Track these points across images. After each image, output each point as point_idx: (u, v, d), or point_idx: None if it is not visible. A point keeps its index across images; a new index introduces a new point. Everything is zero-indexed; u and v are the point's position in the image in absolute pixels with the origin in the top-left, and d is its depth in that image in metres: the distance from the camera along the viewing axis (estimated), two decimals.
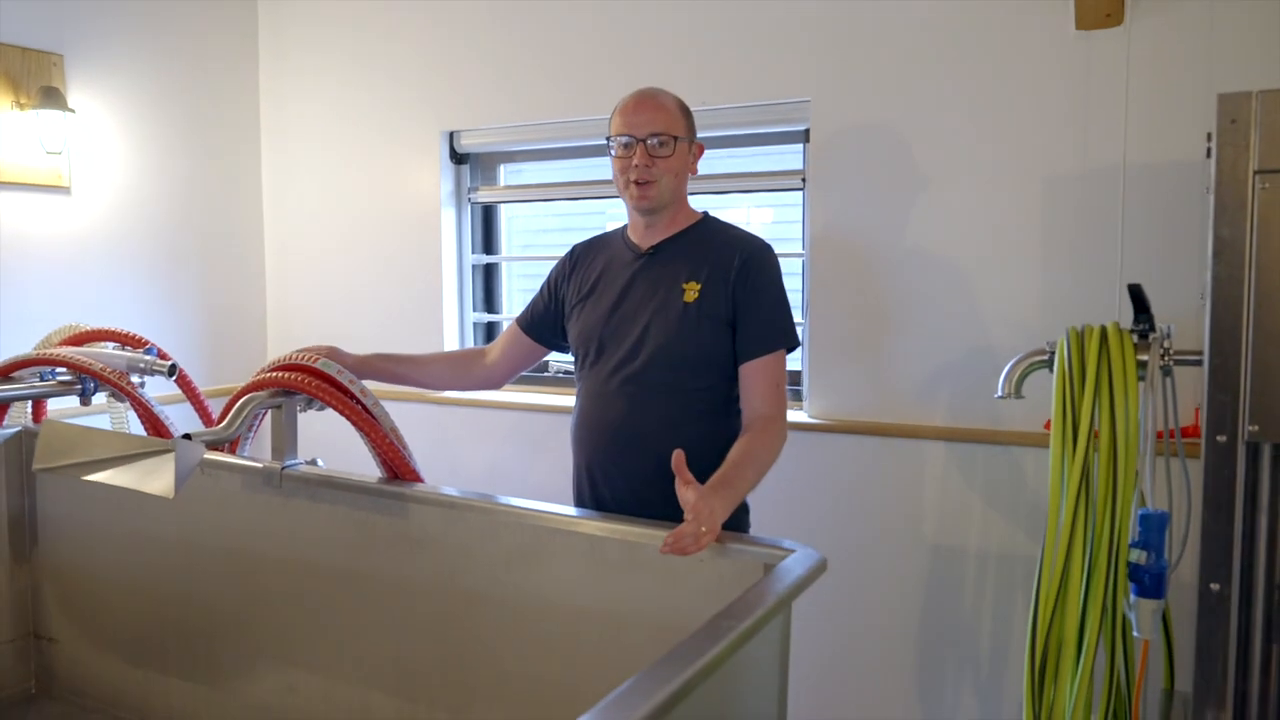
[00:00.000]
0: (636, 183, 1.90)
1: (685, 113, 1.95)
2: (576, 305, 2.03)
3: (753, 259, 1.89)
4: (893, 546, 2.48)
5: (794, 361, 2.72)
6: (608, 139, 1.95)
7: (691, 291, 1.87)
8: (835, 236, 2.53)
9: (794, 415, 2.62)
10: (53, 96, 2.69)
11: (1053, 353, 1.75)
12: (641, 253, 1.97)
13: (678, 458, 1.58)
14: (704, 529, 1.51)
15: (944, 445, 2.41)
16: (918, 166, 2.41)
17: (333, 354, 2.05)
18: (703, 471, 1.69)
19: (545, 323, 2.12)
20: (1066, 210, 2.26)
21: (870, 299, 2.49)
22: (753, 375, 1.86)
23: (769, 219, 2.96)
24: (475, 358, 2.24)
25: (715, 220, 2.02)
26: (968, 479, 2.39)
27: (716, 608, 1.32)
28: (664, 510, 1.70)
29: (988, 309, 2.35)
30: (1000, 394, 1.82)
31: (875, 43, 2.44)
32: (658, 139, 1.88)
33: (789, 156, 2.71)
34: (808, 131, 2.58)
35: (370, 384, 2.06)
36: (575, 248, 2.14)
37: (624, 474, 1.89)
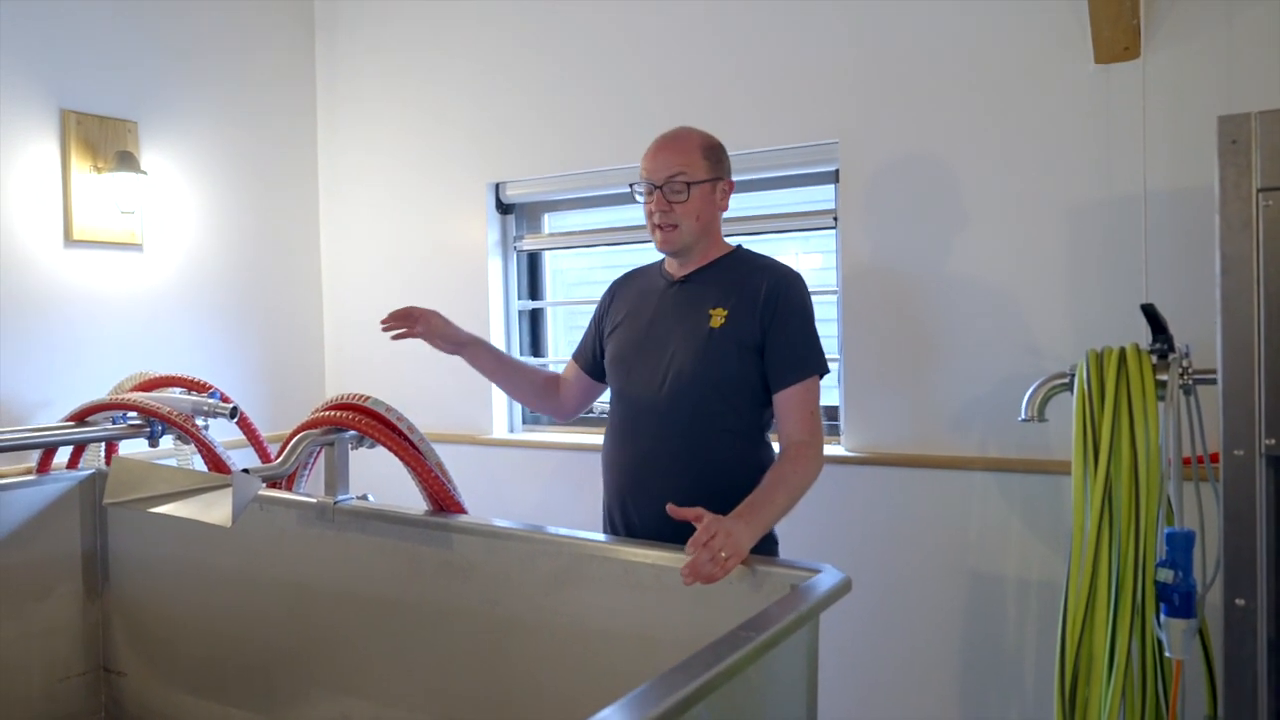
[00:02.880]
0: (660, 226, 1.95)
1: (710, 152, 1.96)
2: (612, 333, 2.09)
3: (780, 285, 1.91)
4: (933, 577, 2.49)
5: (830, 396, 2.77)
6: (633, 184, 2.02)
7: (718, 317, 1.91)
8: (867, 272, 2.59)
9: (831, 449, 2.66)
10: (127, 160, 2.88)
11: (1073, 375, 1.78)
12: (674, 281, 2.02)
13: (672, 511, 1.61)
14: (724, 554, 1.55)
15: (980, 475, 2.43)
16: (945, 201, 2.47)
17: (441, 322, 2.14)
18: (730, 500, 1.73)
19: (593, 356, 2.18)
20: (1091, 238, 2.29)
21: (903, 333, 2.53)
22: (787, 403, 1.88)
23: (818, 263, 3.04)
24: (553, 386, 2.26)
25: (747, 251, 2.05)
26: (1006, 508, 2.40)
27: None
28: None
29: (1018, 338, 2.38)
30: (1024, 417, 1.85)
31: (900, 84, 2.52)
32: (672, 185, 1.92)
33: (821, 196, 2.78)
34: (837, 172, 2.65)
35: (419, 423, 2.15)
36: (615, 281, 2.21)
37: (654, 498, 1.90)
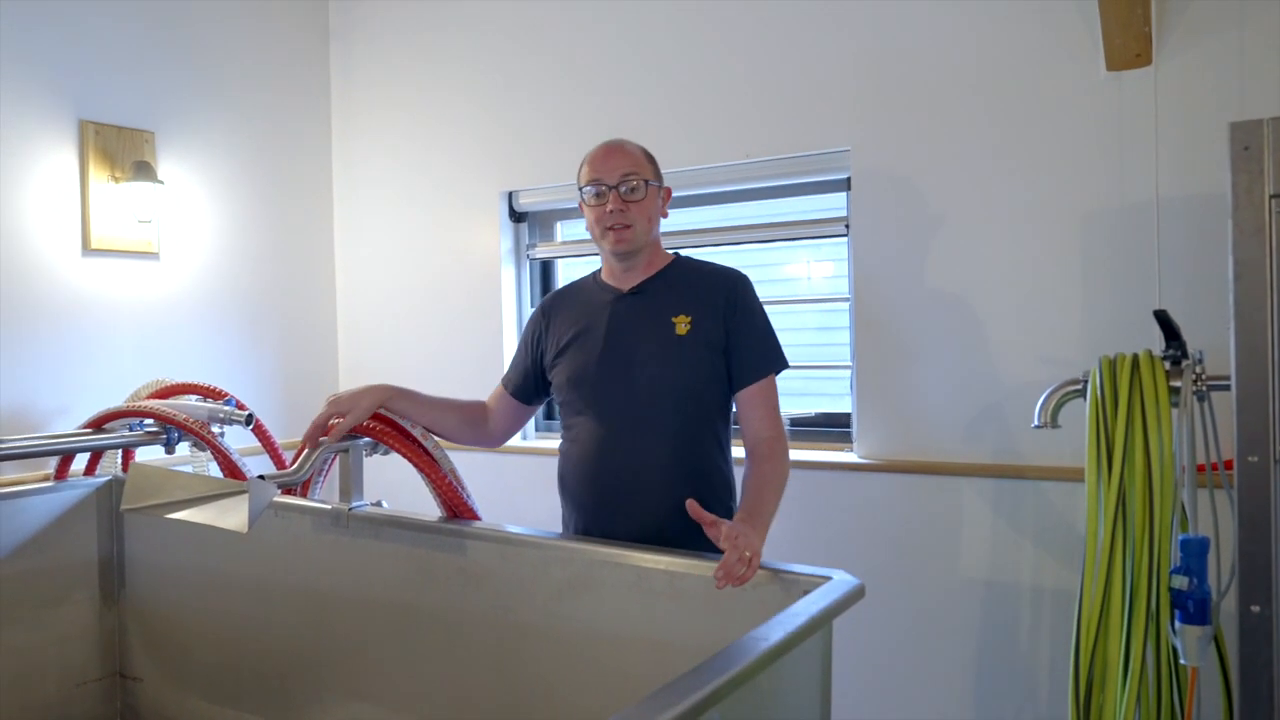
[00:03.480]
0: (612, 228, 1.96)
1: (651, 159, 2.03)
2: (558, 356, 2.06)
3: (738, 288, 1.98)
4: (946, 584, 2.48)
5: (842, 403, 2.77)
6: (580, 189, 2.02)
7: (683, 324, 1.94)
8: (879, 280, 2.59)
9: (843, 456, 2.66)
10: (144, 170, 2.91)
11: (1086, 381, 1.78)
12: (623, 293, 2.02)
13: (693, 506, 1.61)
14: (748, 554, 1.57)
15: (993, 481, 2.42)
16: (957, 209, 2.47)
17: (350, 406, 2.03)
18: (713, 503, 1.79)
19: (528, 382, 2.15)
20: (1104, 246, 2.29)
21: (915, 340, 2.54)
22: (751, 400, 1.93)
23: (829, 271, 3.04)
24: (482, 416, 2.20)
25: (689, 259, 2.09)
26: (1019, 514, 2.39)
27: None
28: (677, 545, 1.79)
29: (1031, 345, 2.38)
30: (1037, 424, 1.85)
31: (911, 91, 2.53)
32: (628, 184, 1.95)
33: (832, 204, 2.79)
34: (849, 179, 2.66)
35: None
36: (544, 301, 2.18)
37: (643, 511, 1.91)
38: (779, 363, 1.97)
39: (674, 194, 2.92)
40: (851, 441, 2.71)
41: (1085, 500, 1.79)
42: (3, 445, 2.41)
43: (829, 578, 1.59)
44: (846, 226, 2.70)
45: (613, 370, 1.97)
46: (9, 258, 2.68)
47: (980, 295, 2.45)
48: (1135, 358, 1.72)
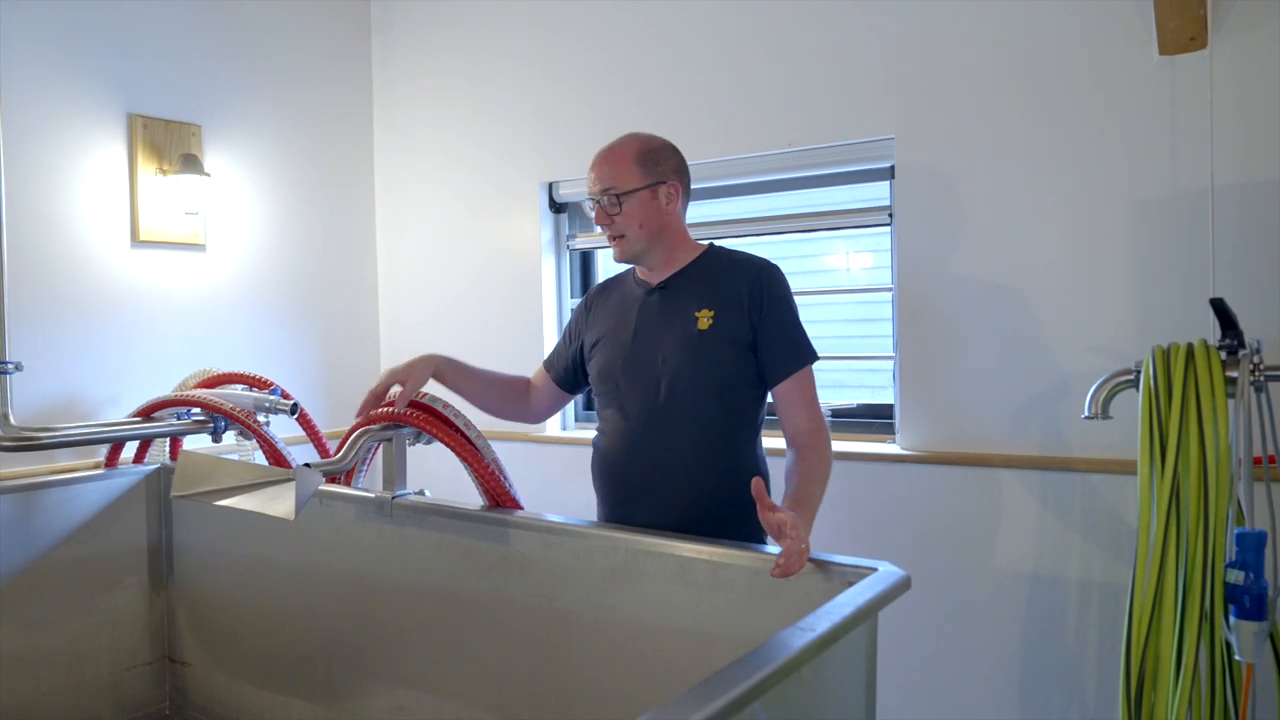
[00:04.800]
0: (609, 239, 1.97)
1: (645, 158, 1.94)
2: (595, 345, 2.07)
3: (762, 279, 1.92)
4: (992, 578, 2.45)
5: (885, 395, 2.75)
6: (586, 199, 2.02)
7: (705, 319, 1.91)
8: (923, 269, 2.56)
9: (886, 448, 2.64)
10: (191, 163, 2.95)
11: (1138, 372, 1.75)
12: (651, 288, 2.01)
13: (757, 485, 1.56)
14: (803, 546, 1.56)
15: (1039, 474, 2.39)
16: (1005, 197, 2.44)
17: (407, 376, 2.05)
18: (738, 500, 1.76)
19: (566, 367, 2.17)
20: (1156, 234, 2.25)
21: (960, 330, 2.50)
22: (787, 395, 1.89)
23: (869, 262, 3.01)
24: (525, 392, 2.24)
25: (720, 249, 2.04)
26: (1066, 508, 2.36)
27: None
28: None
29: (1080, 336, 2.34)
30: (1087, 414, 1.82)
31: (957, 77, 2.49)
32: (607, 197, 1.92)
33: (876, 193, 2.76)
34: (893, 168, 2.63)
35: (475, 420, 2.17)
36: (590, 291, 2.20)
37: (655, 507, 1.91)
38: (809, 355, 1.93)
39: (714, 184, 2.94)
40: (894, 433, 2.68)
41: (1135, 493, 1.77)
42: (55, 433, 2.46)
43: (874, 569, 1.58)
44: (890, 215, 2.66)
45: (638, 365, 1.97)
46: (61, 250, 2.73)
47: (1027, 285, 2.41)
48: (1190, 347, 1.68)
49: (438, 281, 3.55)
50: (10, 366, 2.52)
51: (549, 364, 2.22)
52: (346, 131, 3.63)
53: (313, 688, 2.31)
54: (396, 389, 2.06)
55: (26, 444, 2.41)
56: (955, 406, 2.52)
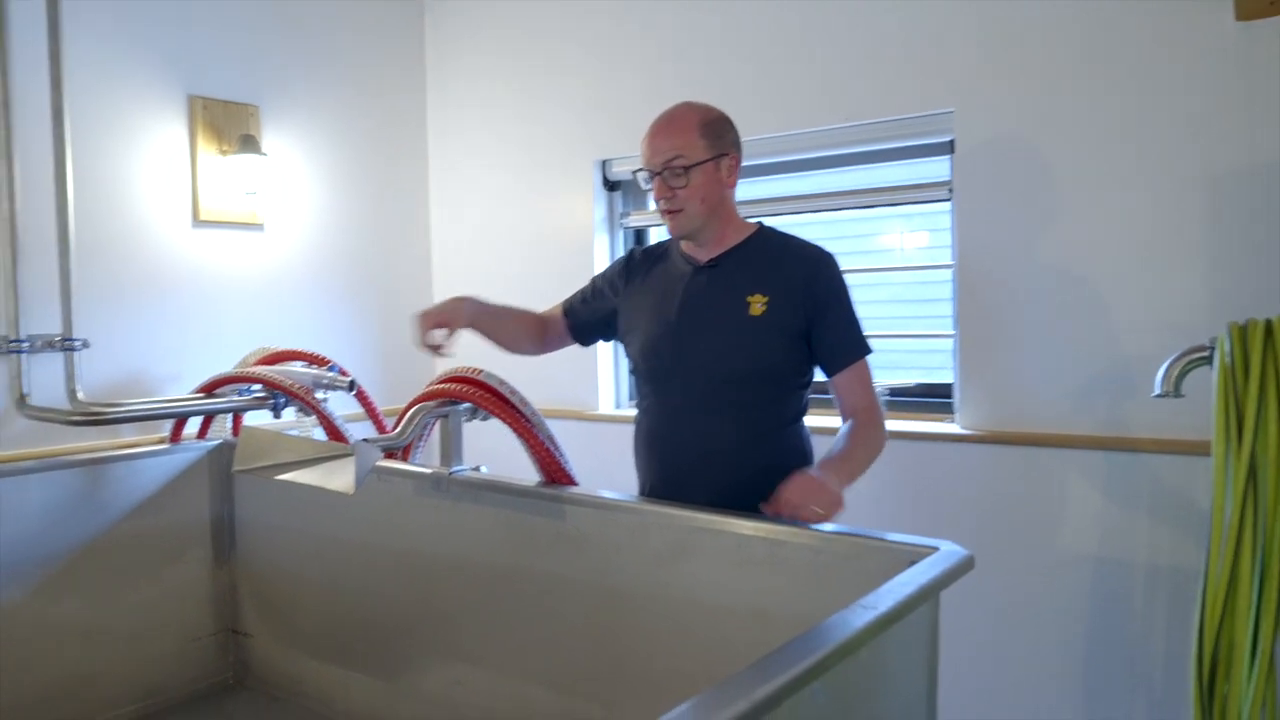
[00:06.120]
0: (665, 212, 1.91)
1: (708, 128, 1.88)
2: (635, 319, 2.04)
3: (819, 270, 1.89)
4: (1055, 561, 2.41)
5: (944, 374, 2.70)
6: (636, 171, 1.98)
7: (758, 304, 1.87)
8: (984, 245, 2.51)
9: (944, 428, 2.60)
10: (249, 143, 2.98)
11: (1213, 349, 1.69)
12: (700, 266, 1.96)
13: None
14: (822, 494, 1.62)
15: (1104, 454, 2.33)
16: (1069, 170, 2.37)
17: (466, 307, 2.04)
18: (770, 485, 1.75)
19: (589, 321, 2.16)
20: (1230, 207, 2.17)
21: (1022, 307, 2.45)
22: (846, 383, 1.90)
23: (925, 241, 2.96)
24: (541, 329, 2.21)
25: (772, 231, 1.99)
26: (1133, 489, 2.30)
27: None
28: None
29: (1148, 313, 2.27)
30: (1158, 392, 1.77)
31: (1019, 47, 2.42)
32: (671, 169, 1.86)
33: (935, 169, 2.70)
34: (953, 142, 2.57)
35: (531, 399, 2.17)
36: (633, 253, 2.14)
37: (695, 489, 1.89)
38: (866, 349, 1.92)
39: (767, 160, 2.90)
40: (953, 412, 2.63)
41: (1207, 474, 1.72)
42: (122, 409, 2.52)
43: (936, 548, 1.55)
44: (950, 191, 2.61)
45: (682, 345, 1.94)
46: (126, 230, 2.78)
47: (1093, 261, 2.35)
48: (1269, 323, 1.62)
49: (490, 260, 3.56)
50: (78, 344, 2.58)
51: (569, 311, 2.19)
52: (400, 112, 3.64)
53: (371, 660, 2.34)
54: (441, 332, 2.00)
55: (94, 419, 2.46)
56: (1016, 386, 2.47)
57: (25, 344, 2.50)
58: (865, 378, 1.91)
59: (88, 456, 2.48)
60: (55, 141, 2.53)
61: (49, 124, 2.53)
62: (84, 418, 2.46)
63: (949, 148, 2.60)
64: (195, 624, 2.64)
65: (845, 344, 1.89)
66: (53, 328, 2.56)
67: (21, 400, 2.50)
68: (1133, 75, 2.28)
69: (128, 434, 2.75)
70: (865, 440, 1.84)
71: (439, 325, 2.00)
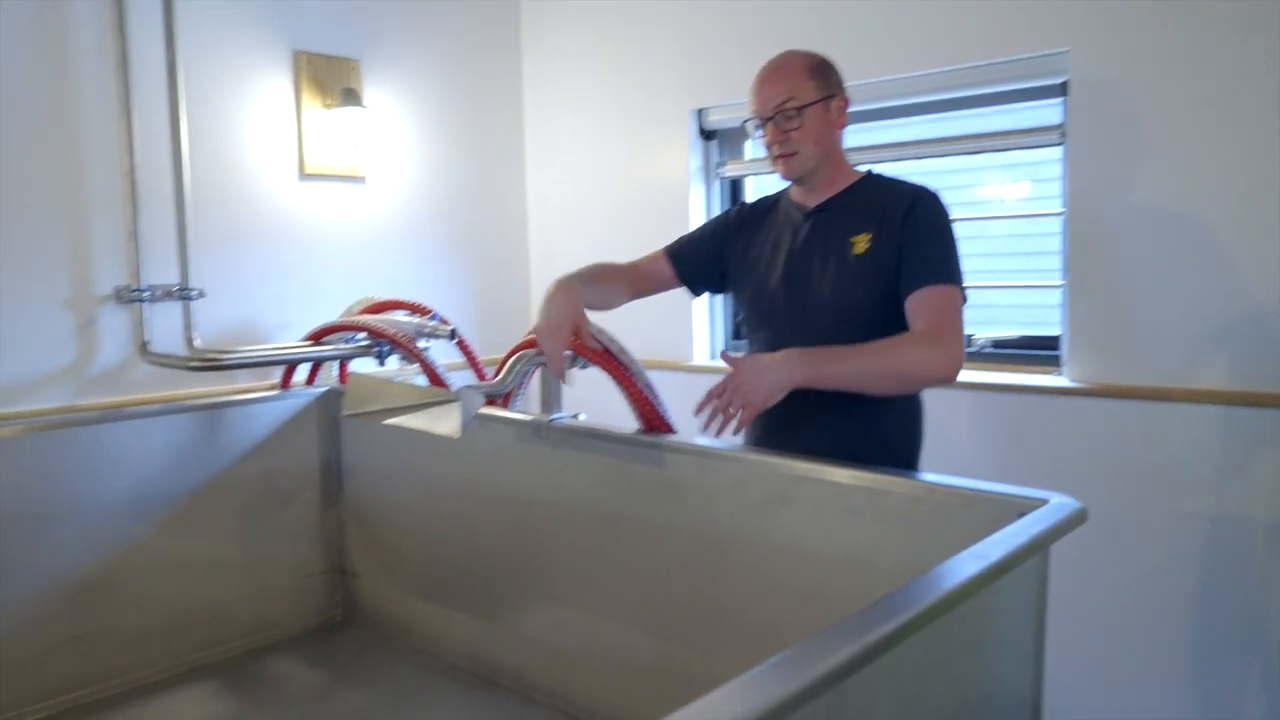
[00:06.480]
0: (779, 157, 1.91)
1: (815, 71, 1.89)
2: (748, 269, 2.04)
3: (918, 202, 1.84)
4: (1169, 518, 2.33)
5: (1052, 326, 2.61)
6: (745, 121, 1.96)
7: (862, 243, 1.85)
8: (1099, 192, 2.41)
9: (1051, 380, 2.52)
10: (351, 96, 3.04)
11: None
12: (808, 211, 1.96)
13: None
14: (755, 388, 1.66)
15: (1223, 410, 2.23)
16: (1191, 112, 2.25)
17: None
18: (879, 443, 1.76)
19: (698, 267, 2.15)
20: None
21: (1137, 256, 2.35)
22: (916, 304, 1.79)
23: (1027, 191, 2.86)
24: (629, 281, 2.20)
25: (880, 176, 1.97)
26: (1255, 445, 2.20)
27: None
28: None
29: (1273, 262, 2.16)
30: None
31: None
32: (783, 112, 1.86)
33: (1044, 114, 2.60)
34: (1066, 84, 2.46)
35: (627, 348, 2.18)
36: (744, 205, 2.16)
37: (800, 438, 1.87)
38: (951, 278, 1.80)
39: (868, 107, 2.82)
40: (1059, 365, 2.56)
41: None
42: (235, 355, 2.62)
43: (1046, 500, 1.52)
44: (1062, 135, 2.51)
45: (789, 290, 1.94)
46: (236, 183, 2.87)
47: (1214, 207, 2.23)
48: None
49: (586, 212, 3.57)
50: (194, 293, 2.68)
51: (675, 255, 2.18)
52: (495, 63, 3.66)
53: (474, 601, 2.41)
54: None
55: (210, 365, 2.57)
56: (1129, 337, 2.38)
57: (146, 294, 2.61)
58: (941, 304, 1.77)
59: (205, 401, 2.58)
60: (170, 97, 2.62)
61: (164, 81, 2.61)
62: (201, 364, 2.57)
63: (1062, 90, 2.50)
64: (306, 563, 2.75)
65: (926, 266, 1.80)
66: (170, 278, 2.67)
67: (143, 347, 2.62)
68: (1262, 10, 2.14)
69: (241, 380, 2.85)
70: (883, 349, 1.72)
71: (568, 343, 1.98)
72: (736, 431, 1.78)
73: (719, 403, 1.76)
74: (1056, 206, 2.56)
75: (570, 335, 1.96)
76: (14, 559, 2.21)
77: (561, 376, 2.01)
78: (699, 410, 1.78)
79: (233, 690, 2.38)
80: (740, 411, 1.73)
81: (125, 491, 2.39)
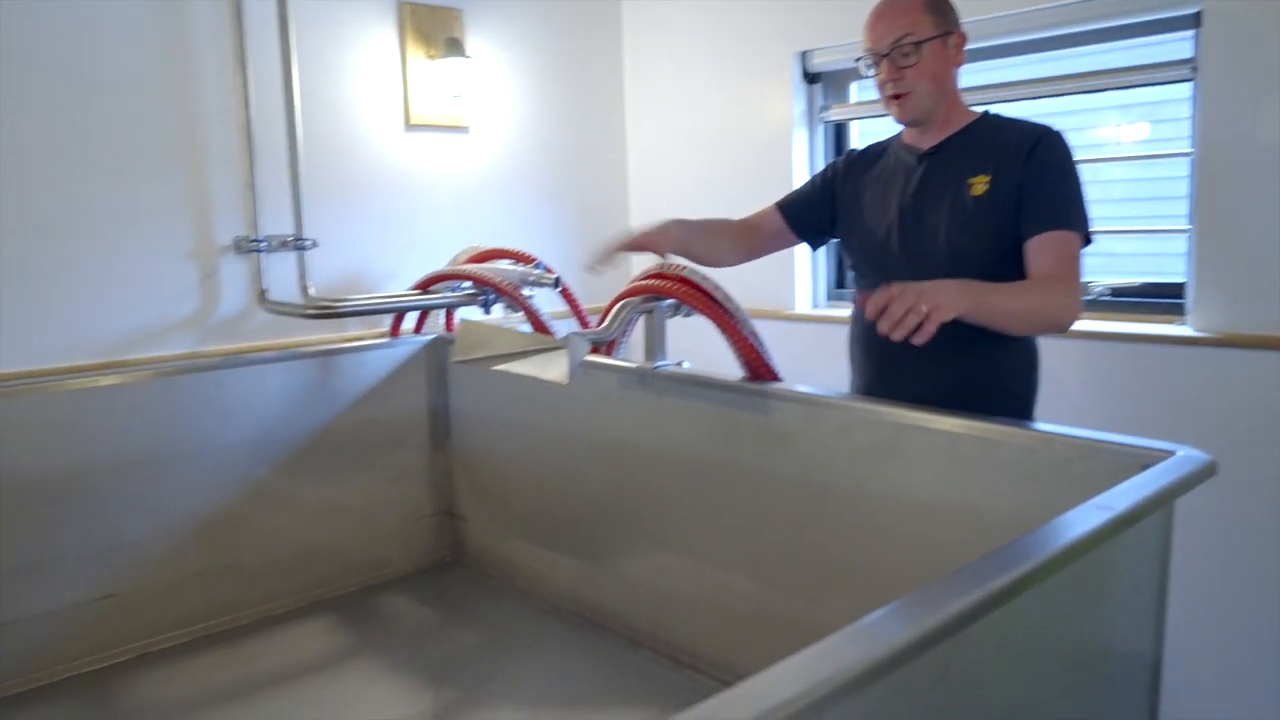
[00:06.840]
0: (894, 97, 1.84)
1: (935, 5, 1.82)
2: (856, 215, 2.00)
3: (1042, 141, 1.77)
4: None
5: (1175, 273, 2.49)
6: (858, 59, 1.91)
7: (980, 185, 1.79)
8: (1232, 131, 2.27)
9: (1175, 329, 2.41)
10: (454, 46, 3.05)
11: None
12: (922, 154, 1.90)
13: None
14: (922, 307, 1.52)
15: None
16: None
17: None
18: (992, 391, 1.74)
19: (809, 216, 2.13)
20: None
21: (1272, 200, 2.21)
22: (1036, 247, 1.74)
23: (1145, 133, 2.72)
24: (747, 237, 2.22)
25: (998, 116, 1.90)
26: None
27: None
28: None
29: None
30: None
31: None
32: (900, 49, 1.80)
33: (1164, 48, 2.45)
34: (1199, 15, 2.32)
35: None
36: (852, 152, 2.13)
37: (913, 385, 1.84)
38: (1074, 223, 1.75)
39: (986, 44, 2.71)
40: (1184, 314, 2.44)
41: None
42: (348, 304, 2.69)
43: (1173, 452, 1.46)
44: (1193, 70, 2.37)
45: (903, 234, 1.90)
46: (344, 134, 2.93)
47: None
48: None
49: (686, 159, 3.53)
50: (308, 243, 2.76)
51: (787, 208, 2.18)
52: (596, 12, 3.63)
53: (578, 545, 2.45)
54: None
55: (325, 313, 2.65)
56: (1262, 285, 2.25)
57: (263, 244, 2.70)
58: (1062, 251, 1.73)
59: (319, 349, 2.67)
60: (282, 51, 2.67)
61: (276, 34, 2.67)
62: (316, 312, 2.65)
63: (1194, 21, 2.35)
64: (416, 505, 2.84)
65: (1050, 210, 1.75)
66: (285, 228, 2.75)
67: (262, 296, 2.71)
68: None
69: (352, 328, 2.94)
70: (1035, 294, 1.70)
71: (642, 249, 2.04)
72: (921, 342, 1.55)
73: (904, 302, 1.54)
74: (1180, 147, 2.42)
75: (662, 235, 2.02)
76: (145, 497, 2.34)
77: (594, 264, 2.05)
78: (873, 314, 1.58)
79: (349, 625, 2.49)
80: (932, 312, 1.53)
81: (247, 434, 2.49)
